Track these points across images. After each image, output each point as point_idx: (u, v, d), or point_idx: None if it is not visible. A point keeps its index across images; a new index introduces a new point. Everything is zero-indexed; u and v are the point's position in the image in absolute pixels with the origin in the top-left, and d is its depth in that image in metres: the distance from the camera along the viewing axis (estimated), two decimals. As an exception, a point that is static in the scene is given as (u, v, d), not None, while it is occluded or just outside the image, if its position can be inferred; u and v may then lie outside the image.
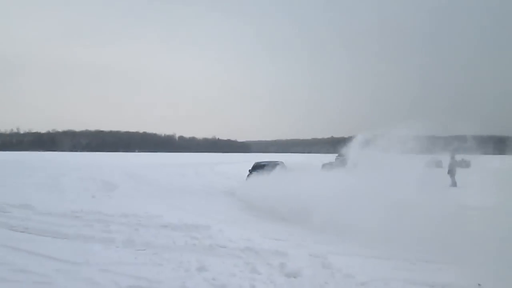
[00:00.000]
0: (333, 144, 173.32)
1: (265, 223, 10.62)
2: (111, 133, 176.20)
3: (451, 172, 21.98)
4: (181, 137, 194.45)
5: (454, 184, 21.55)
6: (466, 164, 34.28)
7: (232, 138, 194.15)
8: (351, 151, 14.39)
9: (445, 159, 22.23)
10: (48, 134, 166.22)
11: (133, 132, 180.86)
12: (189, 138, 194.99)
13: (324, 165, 38.23)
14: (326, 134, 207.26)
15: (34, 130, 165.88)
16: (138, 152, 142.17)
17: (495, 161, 15.70)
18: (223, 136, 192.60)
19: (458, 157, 23.77)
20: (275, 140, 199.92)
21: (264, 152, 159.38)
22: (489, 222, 8.34)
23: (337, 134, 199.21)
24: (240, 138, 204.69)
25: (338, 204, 9.58)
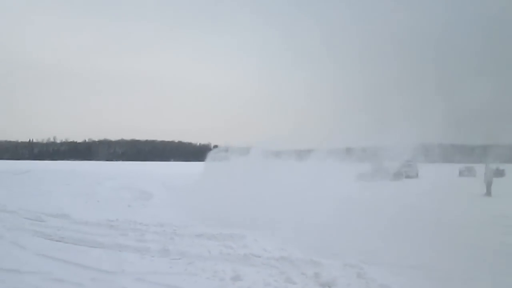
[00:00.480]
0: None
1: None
2: (147, 142, 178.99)
3: (486, 181, 21.20)
4: (216, 147, 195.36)
5: (489, 193, 20.79)
6: (500, 173, 33.15)
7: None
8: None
9: (481, 168, 21.60)
10: (84, 143, 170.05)
11: (168, 141, 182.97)
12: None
13: (360, 175, 37.61)
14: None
15: (70, 140, 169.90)
16: (173, 161, 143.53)
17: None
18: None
19: (493, 166, 23.02)
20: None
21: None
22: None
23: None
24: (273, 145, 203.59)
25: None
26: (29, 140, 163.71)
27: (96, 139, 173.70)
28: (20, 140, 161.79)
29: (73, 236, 9.21)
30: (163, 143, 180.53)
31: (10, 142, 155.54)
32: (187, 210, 14.23)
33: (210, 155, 27.82)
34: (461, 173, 45.13)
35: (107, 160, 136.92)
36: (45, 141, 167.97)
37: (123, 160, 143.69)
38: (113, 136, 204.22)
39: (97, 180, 30.89)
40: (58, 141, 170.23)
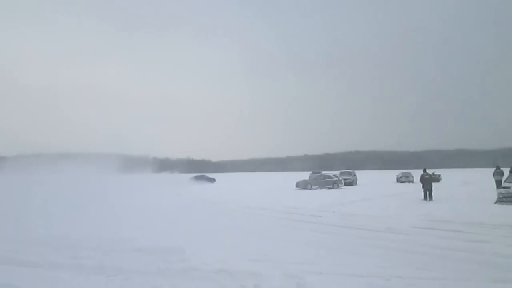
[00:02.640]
0: (307, 162, 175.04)
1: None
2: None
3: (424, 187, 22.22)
4: (155, 158, 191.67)
5: (426, 198, 21.82)
6: (436, 179, 34.88)
7: (206, 158, 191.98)
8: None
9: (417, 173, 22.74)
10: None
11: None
12: (163, 159, 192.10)
13: (298, 183, 38.44)
14: (300, 152, 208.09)
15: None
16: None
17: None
18: (197, 157, 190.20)
19: (430, 171, 24.31)
20: (249, 160, 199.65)
21: (239, 171, 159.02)
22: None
23: (311, 152, 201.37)
24: (214, 158, 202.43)
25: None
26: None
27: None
28: None
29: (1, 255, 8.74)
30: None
31: None
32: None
33: None
34: (398, 179, 47.64)
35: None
36: None
37: None
38: None
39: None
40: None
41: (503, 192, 18.61)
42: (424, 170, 23.24)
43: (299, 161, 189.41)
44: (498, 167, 26.47)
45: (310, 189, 35.92)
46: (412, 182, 44.51)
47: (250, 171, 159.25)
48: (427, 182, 21.99)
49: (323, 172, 48.90)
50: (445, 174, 56.50)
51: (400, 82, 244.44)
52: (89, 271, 7.36)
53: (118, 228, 12.36)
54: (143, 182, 31.48)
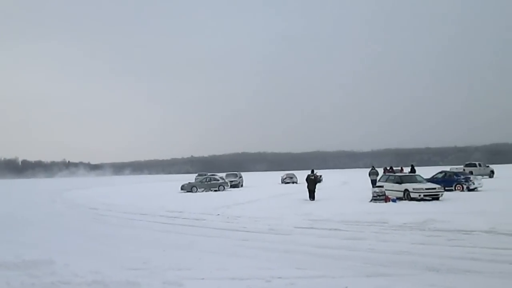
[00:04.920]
0: (192, 164, 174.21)
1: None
2: None
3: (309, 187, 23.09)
4: (24, 161, 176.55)
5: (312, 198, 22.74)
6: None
7: (85, 161, 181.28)
8: None
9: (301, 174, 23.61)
10: None
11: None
12: (36, 162, 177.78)
13: (183, 186, 37.99)
14: (186, 154, 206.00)
15: None
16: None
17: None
18: (75, 159, 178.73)
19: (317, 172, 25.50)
20: (132, 162, 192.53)
21: (121, 174, 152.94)
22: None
23: (197, 154, 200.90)
24: (94, 160, 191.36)
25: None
26: None
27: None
28: None
29: None
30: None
31: None
32: None
33: None
34: (282, 180, 49.29)
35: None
36: None
37: None
38: None
39: None
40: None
41: (377, 191, 20.14)
42: (312, 171, 24.19)
43: (185, 163, 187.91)
44: (373, 167, 28.68)
45: (196, 192, 35.67)
46: (296, 183, 46.19)
47: (133, 174, 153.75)
48: (312, 183, 22.99)
49: (209, 174, 48.91)
50: (327, 174, 59.77)
51: (281, 83, 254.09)
52: None
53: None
54: (9, 188, 28.62)
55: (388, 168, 32.37)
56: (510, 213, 13.89)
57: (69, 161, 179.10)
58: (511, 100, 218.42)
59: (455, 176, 25.74)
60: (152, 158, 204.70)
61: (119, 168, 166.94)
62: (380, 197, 19.82)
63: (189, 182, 38.69)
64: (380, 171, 29.69)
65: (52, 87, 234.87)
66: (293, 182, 47.49)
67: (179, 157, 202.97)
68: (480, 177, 29.24)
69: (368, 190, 22.74)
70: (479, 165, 41.27)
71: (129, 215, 18.65)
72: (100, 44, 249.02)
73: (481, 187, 24.76)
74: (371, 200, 20.10)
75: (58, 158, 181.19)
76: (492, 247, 9.02)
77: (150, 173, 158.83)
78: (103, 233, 13.02)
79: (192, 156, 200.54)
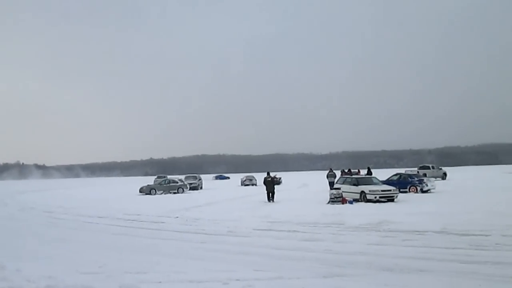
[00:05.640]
0: (152, 166, 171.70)
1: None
2: None
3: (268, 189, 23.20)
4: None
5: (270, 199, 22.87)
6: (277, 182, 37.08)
7: (40, 163, 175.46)
8: None
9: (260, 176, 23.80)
10: None
11: None
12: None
13: (141, 189, 37.45)
14: (145, 156, 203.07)
15: None
16: None
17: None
18: (29, 161, 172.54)
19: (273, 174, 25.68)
20: (89, 164, 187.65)
21: (77, 177, 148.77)
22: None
23: (157, 156, 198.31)
24: (49, 163, 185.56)
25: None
26: None
27: None
28: None
29: None
30: None
31: None
32: None
33: None
34: (242, 183, 49.50)
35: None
36: None
37: None
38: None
39: None
40: None
41: (334, 192, 20.49)
42: (268, 173, 24.35)
43: (144, 165, 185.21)
44: (331, 170, 29.13)
45: (155, 194, 35.24)
46: (255, 185, 46.52)
47: (90, 177, 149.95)
48: (270, 185, 23.13)
49: (169, 176, 48.38)
50: (286, 177, 60.28)
51: (241, 86, 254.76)
52: None
53: None
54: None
55: (345, 170, 32.97)
56: (461, 214, 14.43)
57: (23, 163, 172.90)
58: (462, 104, 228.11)
59: (409, 179, 26.77)
60: (110, 160, 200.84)
61: (76, 170, 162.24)
62: (337, 199, 20.17)
63: (148, 185, 38.18)
64: (338, 173, 30.20)
65: (7, 87, 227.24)
66: (252, 184, 47.88)
67: (138, 159, 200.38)
68: (433, 179, 30.53)
69: (326, 192, 23.09)
70: (433, 167, 42.95)
71: (85, 218, 18.18)
72: (63, 43, 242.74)
73: (434, 189, 25.79)
74: (328, 202, 20.43)
75: (11, 160, 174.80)
76: (443, 246, 9.38)
77: (108, 176, 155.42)
78: (58, 237, 12.65)
79: (151, 158, 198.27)
